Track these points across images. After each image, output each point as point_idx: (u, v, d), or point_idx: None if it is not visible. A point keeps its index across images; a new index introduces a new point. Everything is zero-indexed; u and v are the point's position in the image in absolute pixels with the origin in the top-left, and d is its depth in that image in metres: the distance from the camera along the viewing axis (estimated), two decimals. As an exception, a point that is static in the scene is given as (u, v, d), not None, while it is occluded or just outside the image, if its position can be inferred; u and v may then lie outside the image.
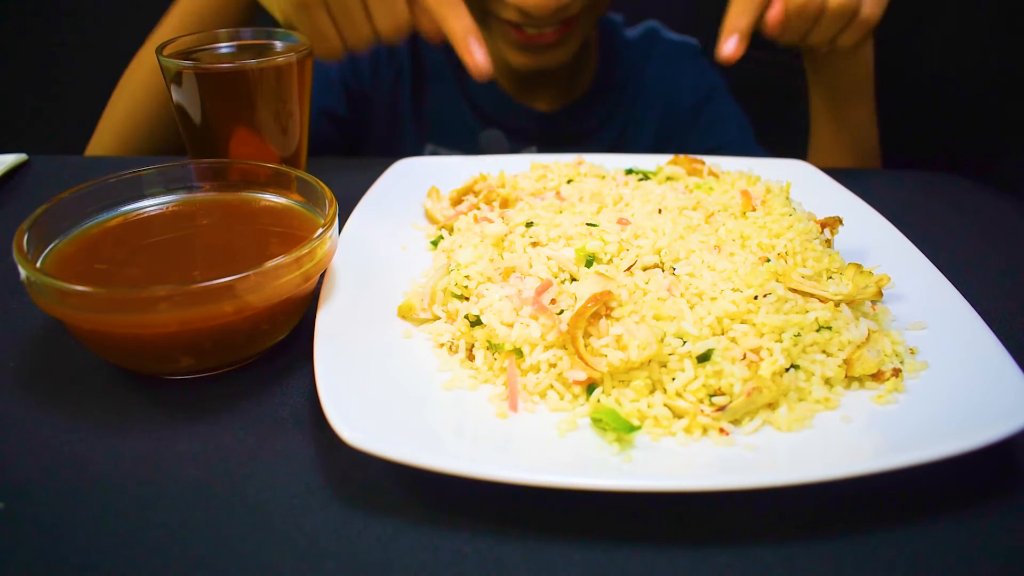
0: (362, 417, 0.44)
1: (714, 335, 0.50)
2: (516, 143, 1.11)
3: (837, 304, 0.53)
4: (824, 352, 0.51)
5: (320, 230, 0.52)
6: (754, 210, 0.62)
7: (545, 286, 0.53)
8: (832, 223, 0.62)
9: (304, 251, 0.50)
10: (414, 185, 0.74)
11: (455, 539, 0.42)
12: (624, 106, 1.13)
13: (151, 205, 0.60)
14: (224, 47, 0.74)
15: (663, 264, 0.56)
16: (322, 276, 0.56)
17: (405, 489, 0.44)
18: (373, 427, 0.43)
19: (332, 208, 0.54)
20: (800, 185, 0.70)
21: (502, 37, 0.99)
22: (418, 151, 1.12)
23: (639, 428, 0.46)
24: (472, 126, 1.11)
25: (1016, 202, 0.80)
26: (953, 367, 0.50)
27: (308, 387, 0.52)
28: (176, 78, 0.67)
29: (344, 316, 0.54)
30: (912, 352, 0.53)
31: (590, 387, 0.49)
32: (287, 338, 0.56)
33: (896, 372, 0.50)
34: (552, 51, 0.98)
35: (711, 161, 0.73)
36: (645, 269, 0.55)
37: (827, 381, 0.50)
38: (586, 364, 0.49)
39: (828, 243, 0.62)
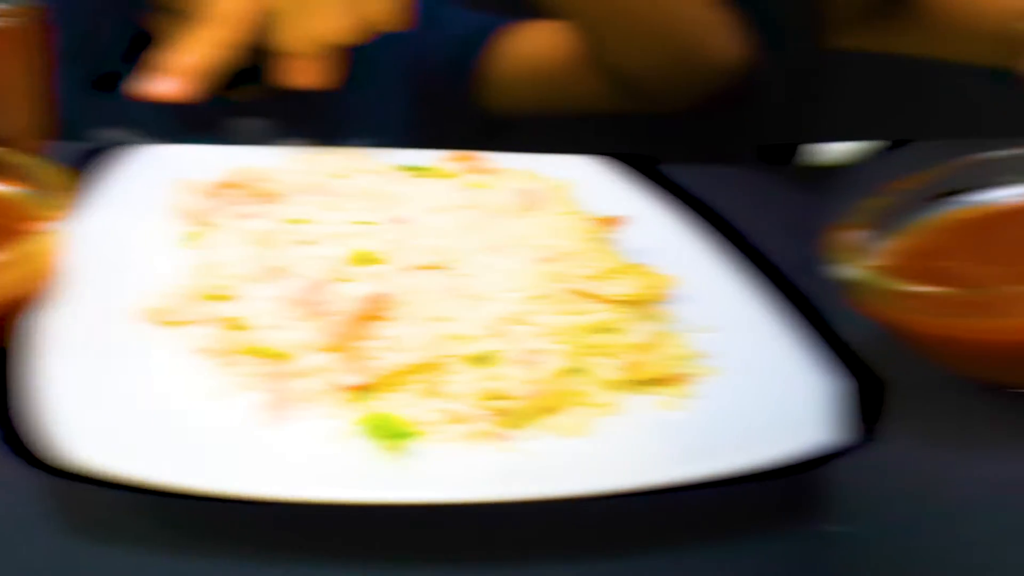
0: (98, 436, 0.40)
1: (493, 337, 0.49)
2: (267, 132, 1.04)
3: (621, 305, 0.54)
4: (607, 355, 0.51)
5: (48, 223, 0.48)
6: (535, 209, 0.62)
7: (315, 287, 0.51)
8: (616, 222, 0.63)
9: (26, 248, 0.46)
10: (165, 175, 0.67)
11: (211, 569, 0.39)
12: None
13: None
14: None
15: (440, 264, 0.55)
16: (52, 279, 0.50)
17: (156, 516, 0.41)
18: (111, 446, 0.39)
19: (65, 198, 0.50)
20: (590, 183, 0.69)
21: None
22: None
23: (416, 435, 0.45)
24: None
25: (814, 194, 0.74)
26: (744, 373, 0.51)
27: (32, 405, 0.45)
28: None
29: (79, 323, 0.49)
30: (701, 357, 0.53)
31: (363, 392, 0.47)
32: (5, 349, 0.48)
33: (682, 377, 0.51)
34: None
35: (491, 158, 0.72)
36: (421, 269, 0.54)
37: (610, 385, 0.50)
38: (359, 368, 0.47)
39: (612, 243, 0.62)
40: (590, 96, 0.97)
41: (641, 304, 0.56)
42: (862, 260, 0.46)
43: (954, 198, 0.53)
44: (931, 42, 0.76)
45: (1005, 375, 0.48)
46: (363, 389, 0.47)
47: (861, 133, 0.71)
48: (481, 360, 0.48)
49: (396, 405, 0.47)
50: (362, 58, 1.06)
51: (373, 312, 0.49)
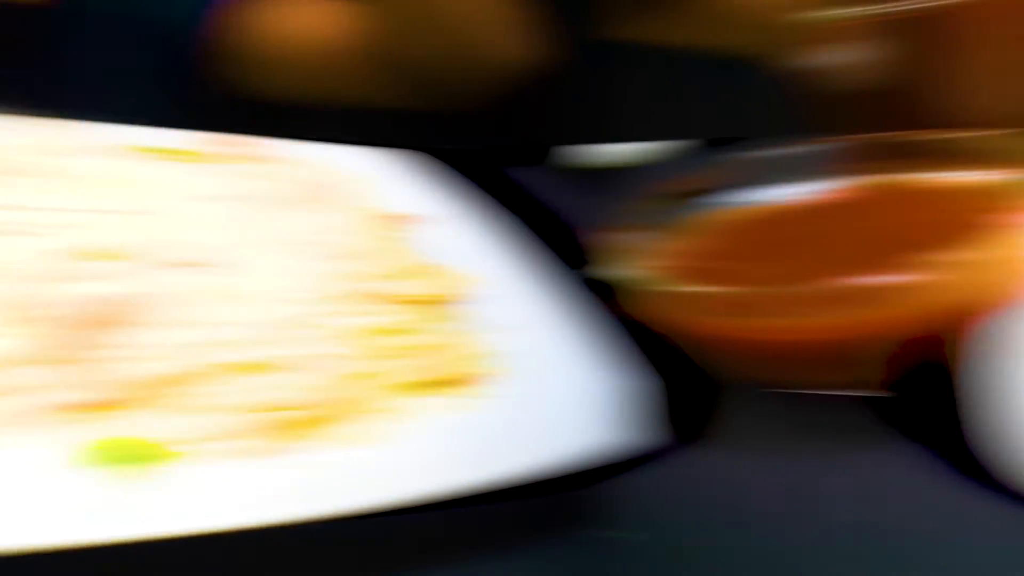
0: None
1: (269, 342, 0.45)
2: None
3: (412, 306, 0.52)
4: (395, 358, 0.49)
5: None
6: (318, 203, 0.58)
7: (26, 286, 0.45)
8: (411, 220, 0.60)
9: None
10: None
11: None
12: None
13: None
14: None
15: (200, 262, 0.49)
16: None
17: None
18: None
19: None
20: (383, 177, 0.66)
21: None
22: None
23: (166, 457, 0.40)
24: None
25: (594, 195, 0.72)
26: (542, 375, 0.50)
27: None
28: None
29: None
30: (496, 357, 0.51)
31: (96, 412, 0.41)
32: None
33: (476, 379, 0.49)
34: None
35: (266, 144, 0.67)
36: (176, 267, 0.48)
37: (398, 389, 0.48)
38: (90, 383, 0.41)
39: (405, 241, 0.59)
40: (366, 85, 0.94)
41: (434, 304, 0.54)
42: (636, 261, 0.46)
43: (728, 197, 0.53)
44: (703, 32, 0.81)
45: (785, 376, 0.48)
46: (95, 408, 0.41)
47: (640, 133, 0.73)
48: (252, 368, 0.44)
49: (141, 424, 0.41)
50: (84, 14, 0.94)
51: (110, 317, 0.44)
